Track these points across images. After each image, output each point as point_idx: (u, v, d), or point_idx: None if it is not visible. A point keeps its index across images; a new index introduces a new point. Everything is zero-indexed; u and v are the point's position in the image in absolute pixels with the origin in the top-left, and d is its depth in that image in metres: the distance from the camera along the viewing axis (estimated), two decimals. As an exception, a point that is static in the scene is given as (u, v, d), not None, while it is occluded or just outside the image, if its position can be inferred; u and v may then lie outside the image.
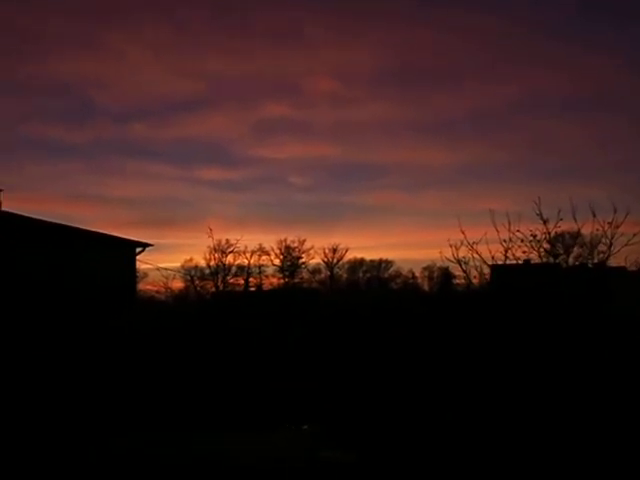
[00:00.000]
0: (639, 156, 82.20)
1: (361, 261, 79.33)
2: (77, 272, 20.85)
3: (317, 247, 76.07)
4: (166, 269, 50.48)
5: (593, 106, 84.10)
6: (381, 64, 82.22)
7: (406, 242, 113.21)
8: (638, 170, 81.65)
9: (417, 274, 78.53)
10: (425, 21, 76.68)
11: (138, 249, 24.37)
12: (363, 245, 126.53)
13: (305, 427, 12.87)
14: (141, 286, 46.69)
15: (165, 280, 54.20)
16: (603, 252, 17.37)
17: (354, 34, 77.91)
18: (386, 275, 79.12)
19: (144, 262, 27.64)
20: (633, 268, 19.69)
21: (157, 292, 54.47)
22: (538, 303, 16.05)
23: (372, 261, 79.68)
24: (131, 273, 25.12)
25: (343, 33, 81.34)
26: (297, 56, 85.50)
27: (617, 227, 16.73)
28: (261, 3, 75.64)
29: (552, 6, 71.51)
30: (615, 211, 16.70)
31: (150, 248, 24.70)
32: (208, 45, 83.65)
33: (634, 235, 16.62)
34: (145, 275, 51.72)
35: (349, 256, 77.44)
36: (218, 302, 48.82)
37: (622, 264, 19.50)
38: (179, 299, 55.27)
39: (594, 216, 16.87)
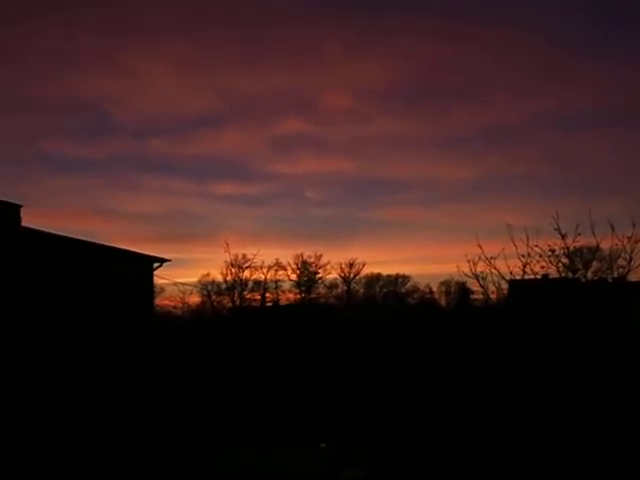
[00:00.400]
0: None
1: (378, 276, 79.27)
2: (96, 287, 21.03)
3: (334, 262, 76.08)
4: (183, 284, 50.71)
5: (611, 120, 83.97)
6: (396, 79, 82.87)
7: (423, 257, 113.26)
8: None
9: (434, 289, 78.32)
10: (441, 36, 77.25)
11: (155, 264, 24.57)
12: (380, 260, 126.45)
13: (323, 445, 12.76)
14: (158, 301, 46.92)
15: (182, 295, 54.46)
16: (622, 267, 17.23)
17: (369, 50, 78.66)
18: (403, 290, 78.96)
19: (161, 277, 27.90)
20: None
21: (174, 307, 54.74)
22: (557, 318, 15.92)
23: (389, 276, 79.62)
24: (148, 288, 25.30)
25: (359, 49, 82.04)
26: (313, 72, 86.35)
27: (636, 242, 16.59)
28: (278, 20, 76.51)
29: (571, 20, 71.61)
30: (634, 225, 16.58)
31: (167, 263, 24.90)
32: (225, 61, 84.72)
33: (654, 249, 16.46)
34: (162, 290, 52.11)
35: (366, 271, 77.46)
36: (234, 316, 48.96)
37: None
38: (196, 314, 55.46)
39: (613, 230, 16.76)
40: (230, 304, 61.89)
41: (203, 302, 61.79)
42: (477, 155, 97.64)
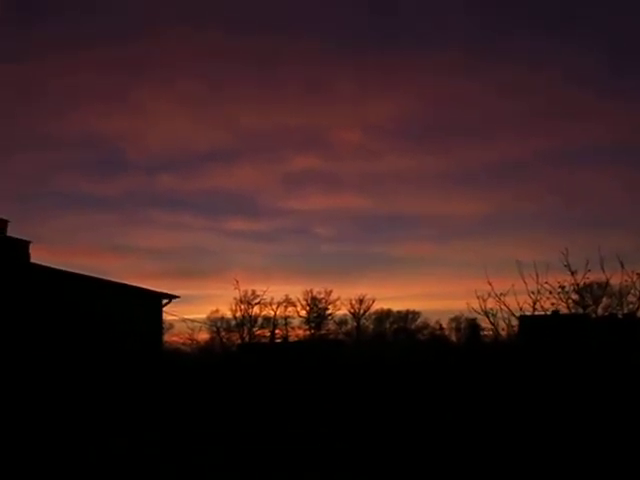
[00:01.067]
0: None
1: (388, 312, 78.81)
2: (104, 324, 21.02)
3: (343, 298, 75.64)
4: (192, 321, 50.54)
5: (620, 156, 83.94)
6: (406, 116, 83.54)
7: (433, 293, 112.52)
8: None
9: (444, 325, 77.70)
10: (451, 73, 78.09)
11: (164, 301, 24.55)
12: (389, 296, 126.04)
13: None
14: (167, 337, 46.85)
15: (191, 331, 54.29)
16: (633, 303, 17.11)
17: (380, 87, 79.86)
18: (413, 326, 78.37)
19: (170, 314, 27.74)
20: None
21: (183, 344, 54.51)
22: (567, 356, 15.76)
23: (399, 312, 79.12)
24: (157, 325, 25.25)
25: (369, 86, 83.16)
26: (324, 109, 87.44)
27: (646, 278, 16.48)
28: (291, 57, 77.83)
29: (578, 55, 72.38)
30: (643, 261, 16.52)
31: (177, 299, 24.88)
32: (237, 98, 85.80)
33: (664, 286, 16.33)
34: (171, 326, 51.97)
35: (376, 307, 77.03)
36: (243, 352, 48.70)
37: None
38: (205, 350, 55.20)
39: (622, 267, 16.69)
40: (239, 340, 61.63)
41: (212, 338, 61.63)
42: (486, 191, 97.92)
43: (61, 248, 65.92)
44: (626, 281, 16.84)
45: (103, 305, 21.39)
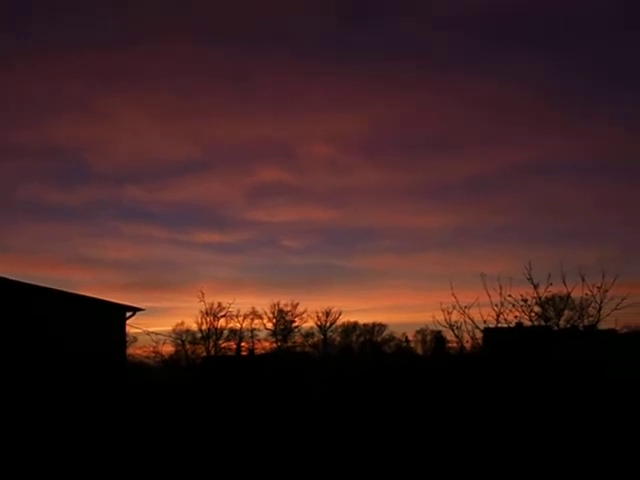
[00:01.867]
0: (630, 220, 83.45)
1: (354, 324, 78.91)
2: (65, 337, 20.64)
3: (310, 310, 75.53)
4: (156, 333, 49.87)
5: (586, 172, 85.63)
6: (375, 130, 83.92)
7: (399, 305, 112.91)
8: (629, 234, 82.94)
9: (410, 338, 78.09)
10: (422, 87, 78.92)
11: (128, 313, 24.22)
12: (356, 308, 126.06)
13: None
14: (131, 350, 46.17)
15: (155, 344, 53.56)
16: (592, 315, 17.47)
17: (351, 100, 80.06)
18: (379, 339, 78.58)
19: (134, 326, 27.38)
20: (624, 331, 19.71)
21: (147, 357, 53.76)
22: (530, 367, 15.98)
23: (365, 324, 79.28)
24: (120, 337, 24.88)
25: (340, 100, 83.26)
26: (294, 121, 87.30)
27: (606, 291, 16.89)
28: (260, 70, 77.73)
29: (547, 71, 73.87)
30: (604, 276, 16.89)
31: (141, 312, 24.57)
32: (206, 110, 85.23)
33: (623, 299, 16.73)
34: (135, 339, 51.19)
35: (342, 319, 77.07)
36: (208, 365, 48.25)
37: (613, 326, 19.54)
38: (169, 364, 54.46)
39: (583, 280, 17.05)
40: (205, 353, 60.99)
41: (177, 351, 60.88)
42: (452, 205, 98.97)
43: (24, 259, 64.83)
44: (587, 294, 17.22)
45: (64, 318, 21.00)
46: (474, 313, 17.65)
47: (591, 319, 17.53)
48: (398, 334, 78.88)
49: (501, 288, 17.21)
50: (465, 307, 17.58)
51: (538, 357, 16.92)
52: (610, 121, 78.09)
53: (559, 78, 75.98)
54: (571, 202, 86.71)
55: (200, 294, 50.85)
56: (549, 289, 17.24)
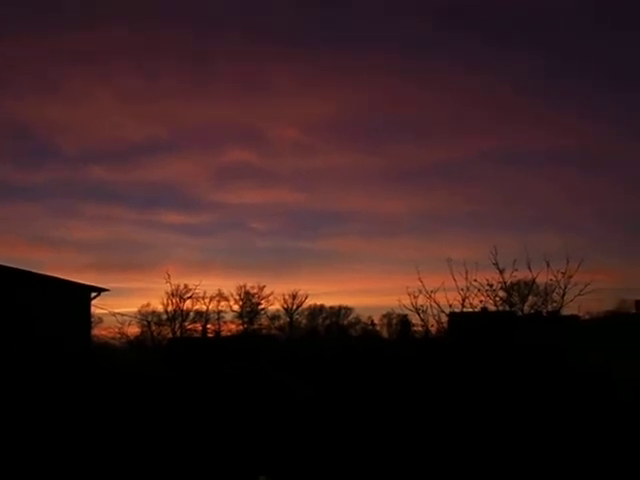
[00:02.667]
0: (595, 209, 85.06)
1: (321, 308, 79.06)
2: (27, 317, 20.29)
3: (277, 293, 75.39)
4: (122, 314, 49.40)
5: (553, 159, 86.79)
6: (343, 113, 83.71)
7: (366, 289, 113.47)
8: (594, 223, 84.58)
9: (376, 321, 78.57)
10: (393, 72, 78.82)
11: (93, 294, 23.89)
12: (323, 291, 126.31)
13: (262, 477, 12.54)
14: (96, 331, 45.60)
15: (121, 325, 53.05)
16: (556, 301, 17.74)
17: (318, 84, 79.65)
18: (345, 322, 78.91)
19: (99, 307, 27.04)
20: (586, 317, 20.10)
21: (112, 338, 53.28)
22: (493, 352, 16.20)
23: (332, 308, 79.42)
24: (85, 319, 24.56)
25: (307, 83, 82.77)
26: (262, 104, 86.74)
27: (570, 277, 17.14)
28: (227, 52, 76.75)
29: (515, 59, 74.34)
30: (568, 261, 17.14)
31: (106, 293, 24.26)
32: (173, 91, 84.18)
33: (586, 285, 17.02)
34: (100, 320, 50.59)
35: (309, 302, 77.15)
36: (174, 348, 48.03)
37: (575, 313, 19.90)
38: (135, 345, 54.07)
39: (548, 266, 17.29)
40: (170, 335, 60.63)
41: (143, 333, 60.40)
42: (419, 189, 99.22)
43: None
44: (551, 280, 17.47)
45: (26, 299, 20.63)
46: (440, 297, 17.81)
47: (555, 305, 17.82)
48: (364, 317, 79.23)
49: (467, 273, 17.38)
50: (431, 291, 17.73)
51: (502, 342, 17.16)
52: (578, 112, 79.24)
53: (529, 67, 76.56)
54: (538, 191, 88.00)
55: (166, 275, 50.58)
56: (514, 274, 17.46)
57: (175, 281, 68.03)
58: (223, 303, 69.09)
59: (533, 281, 18.13)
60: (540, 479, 10.71)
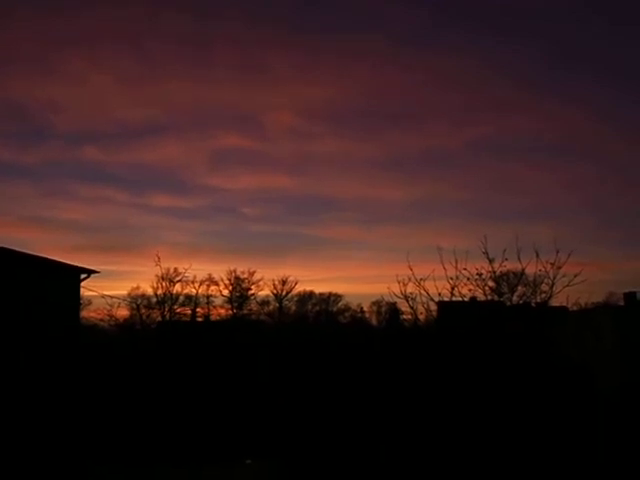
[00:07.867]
0: (585, 200, 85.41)
1: (310, 294, 79.01)
2: (16, 298, 20.18)
3: (267, 279, 75.23)
4: (111, 297, 49.25)
5: (545, 150, 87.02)
6: (339, 101, 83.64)
7: (356, 276, 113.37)
8: (584, 214, 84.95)
9: (366, 308, 78.67)
10: (385, 61, 78.71)
11: (83, 275, 23.75)
12: (313, 278, 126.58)
13: (248, 461, 12.61)
14: (85, 313, 45.47)
15: (110, 308, 52.90)
16: (545, 292, 17.81)
17: (315, 71, 79.44)
18: (335, 309, 78.98)
19: (88, 289, 26.86)
20: (574, 308, 20.19)
21: (101, 320, 53.16)
22: (481, 340, 16.29)
23: (321, 294, 79.43)
24: (75, 300, 24.44)
25: (305, 70, 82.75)
26: (259, 89, 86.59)
27: (559, 268, 17.23)
28: (225, 37, 76.55)
29: (510, 50, 74.32)
30: (557, 252, 17.21)
31: (96, 275, 24.13)
32: (170, 75, 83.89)
33: (575, 276, 17.10)
34: (89, 302, 50.42)
35: (299, 288, 77.08)
36: (163, 332, 48.00)
37: (564, 303, 19.98)
38: (124, 328, 53.96)
39: (537, 256, 17.36)
40: (160, 318, 60.55)
41: (132, 315, 60.28)
42: (412, 178, 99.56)
43: (-27, 218, 62.76)
44: (540, 270, 17.55)
45: (15, 279, 20.50)
46: (429, 286, 17.86)
47: (543, 295, 17.88)
48: (354, 305, 79.35)
49: (457, 262, 17.43)
50: (421, 279, 17.79)
51: (490, 332, 17.24)
52: (569, 102, 79.33)
53: (522, 58, 76.54)
54: (529, 180, 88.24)
55: (156, 258, 50.43)
56: (504, 264, 17.51)
57: (165, 264, 68.07)
58: (213, 287, 69.01)
59: (522, 271, 18.21)
60: (523, 462, 10.82)
